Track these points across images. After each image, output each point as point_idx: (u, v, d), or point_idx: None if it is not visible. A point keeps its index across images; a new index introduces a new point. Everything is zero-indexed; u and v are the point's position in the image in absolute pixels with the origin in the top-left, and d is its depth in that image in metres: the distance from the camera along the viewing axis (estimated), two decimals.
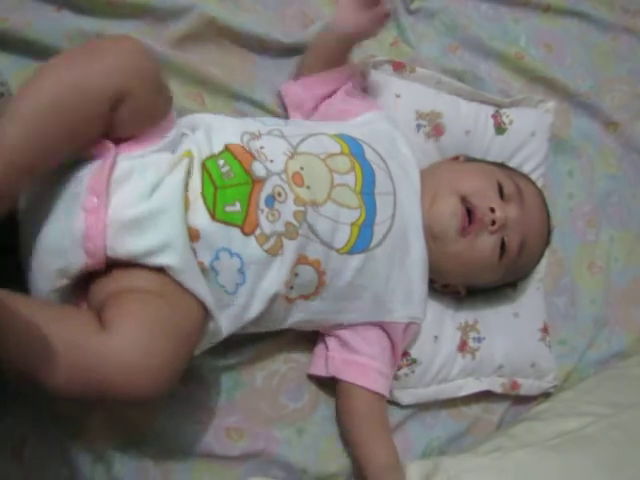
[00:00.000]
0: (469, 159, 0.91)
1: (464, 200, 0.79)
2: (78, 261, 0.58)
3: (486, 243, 0.80)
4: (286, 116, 0.87)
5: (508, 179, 0.83)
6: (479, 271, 0.83)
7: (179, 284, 0.61)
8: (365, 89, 0.90)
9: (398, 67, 0.92)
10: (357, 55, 0.91)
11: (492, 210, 0.78)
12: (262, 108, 0.86)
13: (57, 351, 0.53)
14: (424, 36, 1.01)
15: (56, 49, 0.75)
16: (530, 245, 0.85)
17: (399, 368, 0.83)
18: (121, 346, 0.54)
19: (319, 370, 0.80)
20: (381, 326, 0.79)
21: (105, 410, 0.70)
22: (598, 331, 1.01)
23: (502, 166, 0.91)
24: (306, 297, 0.74)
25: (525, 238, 0.83)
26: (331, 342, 0.80)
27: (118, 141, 0.61)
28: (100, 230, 0.58)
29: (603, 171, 1.09)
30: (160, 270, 0.60)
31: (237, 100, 0.84)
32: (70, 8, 0.77)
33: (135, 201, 0.60)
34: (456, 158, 0.91)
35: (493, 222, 0.78)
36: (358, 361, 0.78)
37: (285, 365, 0.81)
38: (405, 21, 0.99)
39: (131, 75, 0.58)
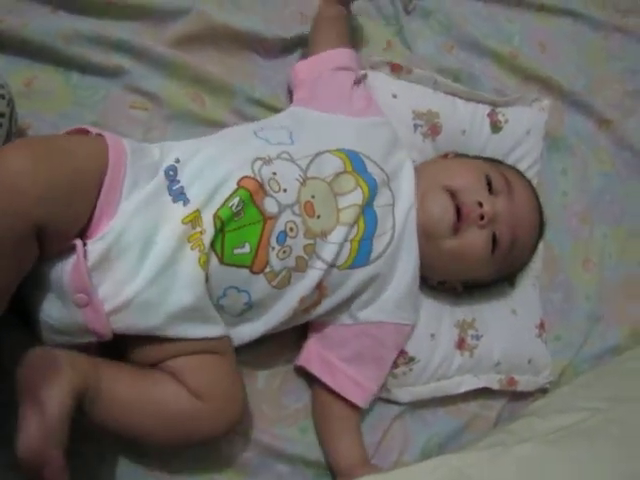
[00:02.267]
0: (458, 155, 0.91)
1: (453, 196, 0.79)
2: (87, 339, 0.63)
3: (477, 238, 0.80)
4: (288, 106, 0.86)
5: (496, 172, 0.84)
6: (473, 266, 0.83)
7: None
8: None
9: (396, 69, 0.93)
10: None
11: (480, 205, 0.79)
12: (262, 106, 0.86)
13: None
14: (419, 35, 1.01)
15: (52, 50, 0.75)
16: (522, 237, 0.85)
17: (397, 367, 0.83)
18: (216, 414, 0.66)
19: (299, 360, 0.81)
20: (364, 330, 0.79)
21: None
22: (592, 326, 1.02)
23: (491, 160, 0.91)
24: (305, 311, 0.76)
25: (516, 230, 0.83)
26: (313, 334, 0.81)
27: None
28: (102, 319, 0.60)
29: (596, 169, 1.10)
30: None
31: (237, 99, 0.85)
32: (66, 9, 0.77)
33: (126, 282, 0.61)
34: (445, 156, 0.91)
35: (482, 217, 0.79)
36: (330, 360, 0.79)
37: (285, 366, 0.81)
38: (403, 20, 0.99)
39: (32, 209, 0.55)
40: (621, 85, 1.15)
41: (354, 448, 0.78)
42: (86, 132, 0.66)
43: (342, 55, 0.88)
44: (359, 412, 0.81)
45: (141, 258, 0.61)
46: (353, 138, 0.79)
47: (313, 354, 0.80)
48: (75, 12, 0.77)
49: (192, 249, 0.63)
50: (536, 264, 0.98)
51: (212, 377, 0.66)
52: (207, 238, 0.63)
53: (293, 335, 0.81)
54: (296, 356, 0.82)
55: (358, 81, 0.87)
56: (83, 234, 0.60)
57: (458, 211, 0.79)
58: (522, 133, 0.99)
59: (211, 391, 0.65)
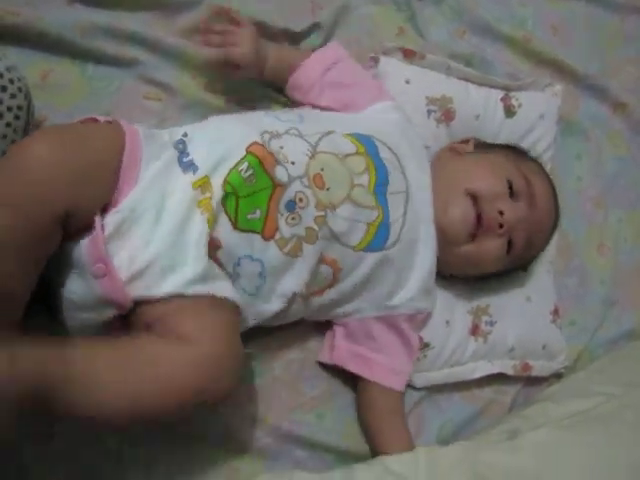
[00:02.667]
0: (479, 144, 0.90)
1: (475, 201, 0.79)
2: (108, 313, 0.62)
3: (493, 244, 0.81)
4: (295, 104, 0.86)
5: (518, 174, 0.83)
6: (485, 267, 0.85)
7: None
8: (375, 76, 0.90)
9: (408, 54, 0.92)
10: (368, 44, 0.91)
11: (501, 213, 0.79)
12: (274, 98, 0.86)
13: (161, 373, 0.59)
14: (432, 21, 1.00)
15: (68, 42, 0.76)
16: (537, 240, 0.86)
17: None
18: (209, 354, 0.61)
19: (326, 358, 0.81)
20: (386, 320, 0.80)
21: None
22: (607, 311, 1.02)
23: (513, 152, 0.90)
24: (319, 293, 0.76)
25: (533, 233, 0.84)
26: (338, 331, 0.81)
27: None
28: (120, 288, 0.60)
29: (611, 153, 1.09)
30: None
31: (248, 89, 0.84)
32: (81, 1, 0.77)
33: (140, 249, 0.61)
34: (466, 142, 0.90)
35: (501, 225, 0.79)
36: (361, 353, 0.80)
37: (302, 354, 0.82)
38: (414, 6, 0.98)
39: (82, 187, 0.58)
40: (636, 68, 1.14)
41: (403, 438, 0.79)
42: (96, 121, 0.67)
43: (325, 52, 0.87)
44: (401, 397, 0.82)
45: (154, 225, 0.62)
46: (365, 125, 0.80)
47: (344, 351, 0.80)
48: (90, 4, 0.77)
49: (202, 214, 0.64)
50: (550, 250, 0.98)
51: (202, 320, 0.63)
52: (215, 201, 0.64)
53: (308, 325, 0.82)
54: (311, 345, 0.82)
55: (372, 60, 0.88)
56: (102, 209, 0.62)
57: (478, 217, 0.79)
58: (536, 117, 0.98)
59: (200, 334, 0.61)
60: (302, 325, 0.81)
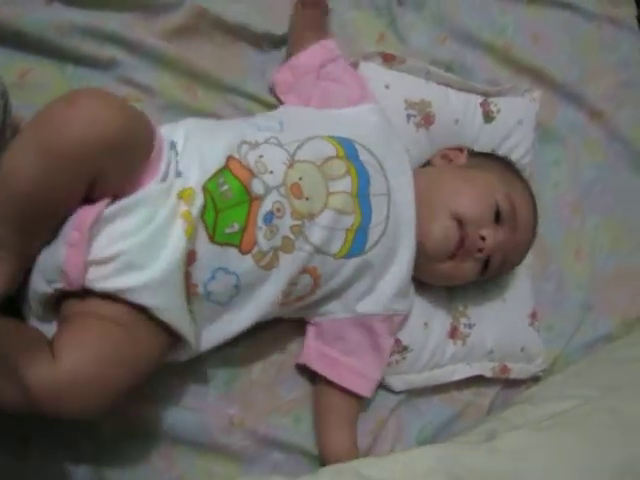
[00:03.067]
0: (473, 153, 0.91)
1: (460, 223, 0.80)
2: (57, 285, 0.60)
3: (470, 265, 0.82)
4: (280, 105, 0.87)
5: (506, 199, 0.83)
6: (455, 282, 0.86)
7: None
8: None
9: (388, 59, 0.93)
10: (347, 48, 0.92)
11: (483, 238, 0.80)
12: (255, 100, 0.86)
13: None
14: (412, 27, 1.01)
15: (47, 42, 0.75)
16: (513, 258, 0.87)
17: (390, 355, 0.84)
18: (65, 379, 0.56)
19: (300, 358, 0.81)
20: (360, 321, 0.80)
21: None
22: (584, 316, 1.04)
23: (506, 170, 0.89)
24: (300, 299, 0.76)
25: (509, 255, 0.85)
26: (311, 330, 0.81)
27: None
28: (78, 265, 0.59)
29: (588, 160, 1.11)
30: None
31: (230, 92, 0.85)
32: (61, 0, 0.76)
33: (121, 238, 0.60)
34: (460, 150, 0.90)
35: (480, 250, 0.80)
36: (329, 354, 0.80)
37: (280, 356, 0.82)
38: (395, 12, 0.99)
39: (111, 141, 0.57)
40: (613, 76, 1.16)
41: (349, 439, 0.79)
42: None
43: (323, 48, 0.88)
44: (361, 402, 0.82)
45: (145, 224, 0.61)
46: (346, 127, 0.80)
47: (313, 351, 0.80)
48: (70, 4, 0.77)
49: (182, 224, 0.63)
50: (528, 255, 0.98)
51: (83, 338, 0.58)
52: (195, 210, 0.63)
53: (288, 326, 0.82)
54: (290, 347, 0.82)
55: (351, 65, 0.89)
56: None
57: (460, 239, 0.80)
58: (514, 123, 0.99)
59: (70, 351, 0.57)
60: (281, 327, 0.81)
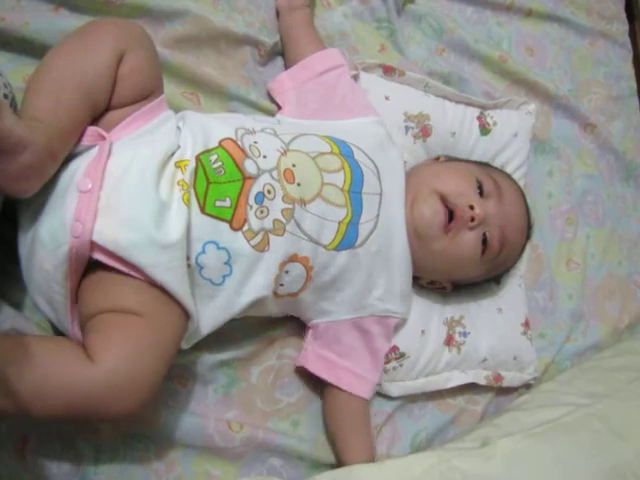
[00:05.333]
0: (450, 159, 0.93)
1: (444, 199, 0.81)
2: (65, 240, 0.60)
3: (468, 239, 0.82)
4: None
5: (487, 176, 0.86)
6: (463, 266, 0.85)
7: (160, 289, 0.63)
8: None
9: (388, 70, 0.94)
10: (349, 58, 0.93)
11: (471, 207, 0.81)
12: (257, 108, 0.87)
13: (49, 384, 0.57)
14: (412, 39, 1.03)
15: (52, 47, 0.75)
16: (511, 239, 0.87)
17: (388, 362, 0.85)
18: (106, 378, 0.58)
19: (298, 361, 0.83)
20: (356, 323, 0.81)
21: None
22: (575, 325, 1.06)
23: (481, 164, 0.93)
24: (294, 294, 0.76)
25: (505, 232, 0.85)
26: (309, 333, 0.82)
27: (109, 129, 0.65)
28: (90, 212, 0.60)
29: (580, 171, 1.13)
30: (142, 280, 0.62)
31: (232, 100, 0.85)
32: (67, 8, 0.77)
33: (130, 193, 0.62)
34: (437, 159, 0.93)
35: (472, 219, 0.81)
36: (327, 357, 0.81)
37: (279, 361, 0.83)
38: (395, 24, 1.01)
39: (129, 35, 0.67)
40: (605, 90, 1.19)
41: (365, 446, 0.80)
42: None
43: (325, 57, 0.89)
44: (366, 405, 0.83)
45: (152, 186, 0.63)
46: (344, 133, 0.81)
47: (311, 353, 0.81)
48: (75, 10, 0.77)
49: (180, 189, 0.65)
50: (521, 264, 1.01)
51: (112, 336, 0.60)
52: (187, 176, 0.65)
53: (287, 331, 0.83)
54: (289, 352, 0.83)
55: (352, 77, 0.90)
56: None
57: (450, 213, 0.81)
58: (510, 136, 1.01)
59: (104, 350, 0.58)
60: (279, 332, 0.82)
